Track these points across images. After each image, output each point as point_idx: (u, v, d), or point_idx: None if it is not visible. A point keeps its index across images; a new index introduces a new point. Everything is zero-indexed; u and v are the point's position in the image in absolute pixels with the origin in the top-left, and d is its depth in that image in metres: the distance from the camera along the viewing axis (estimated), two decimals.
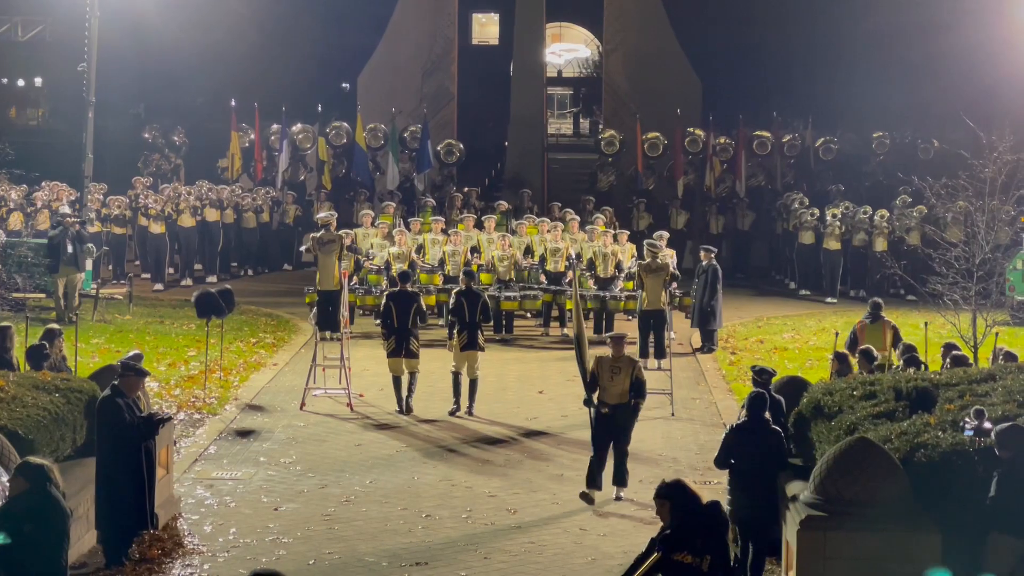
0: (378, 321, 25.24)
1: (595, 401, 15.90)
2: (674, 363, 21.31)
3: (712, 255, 25.03)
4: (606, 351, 16.26)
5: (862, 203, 32.83)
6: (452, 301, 19.95)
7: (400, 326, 19.56)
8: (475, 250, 26.66)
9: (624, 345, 16.21)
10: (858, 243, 31.74)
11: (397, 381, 19.70)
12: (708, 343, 24.71)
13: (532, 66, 37.65)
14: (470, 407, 19.54)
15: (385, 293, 21.32)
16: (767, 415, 13.14)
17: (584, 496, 15.45)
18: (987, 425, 11.69)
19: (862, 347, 17.52)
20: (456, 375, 19.64)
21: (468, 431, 18.76)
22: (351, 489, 15.90)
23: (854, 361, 17.07)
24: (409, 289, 20.07)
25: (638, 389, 15.91)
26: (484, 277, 26.00)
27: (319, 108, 36.71)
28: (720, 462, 12.99)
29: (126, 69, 37.42)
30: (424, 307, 20.20)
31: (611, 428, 15.80)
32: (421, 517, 14.89)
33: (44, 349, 16.25)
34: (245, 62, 40.29)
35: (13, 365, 16.34)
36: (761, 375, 14.41)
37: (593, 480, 15.58)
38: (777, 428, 13.24)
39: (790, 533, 11.96)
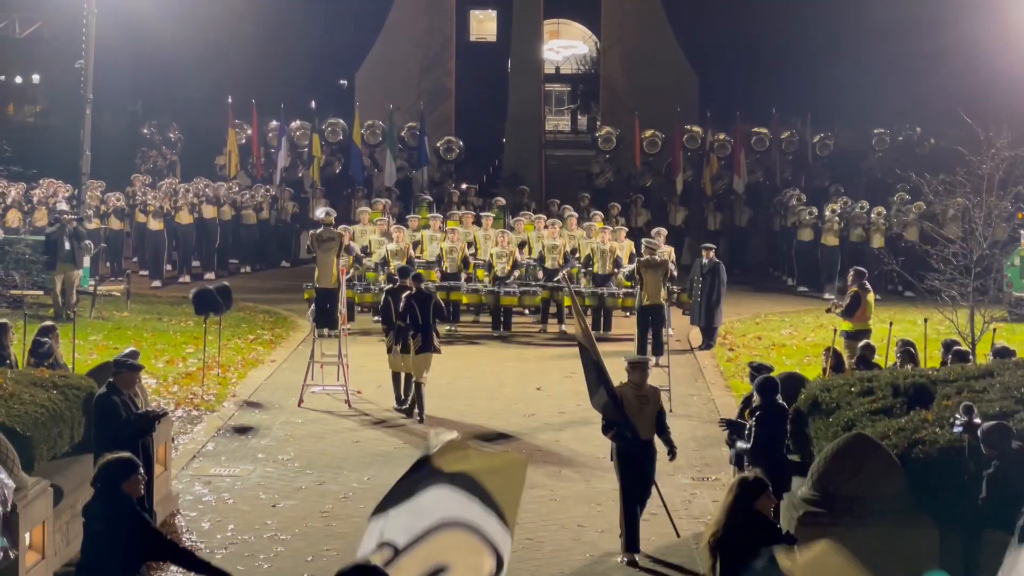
0: (376, 318, 25.31)
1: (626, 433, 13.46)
2: (672, 360, 21.32)
3: (712, 252, 25.09)
4: (619, 374, 14.25)
5: (860, 199, 32.85)
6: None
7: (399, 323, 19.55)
8: (472, 246, 26.66)
9: (648, 372, 14.19)
10: (855, 239, 31.75)
11: (396, 377, 19.69)
12: (709, 340, 24.70)
13: (530, 63, 37.65)
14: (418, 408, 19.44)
15: (384, 289, 21.33)
16: (779, 398, 13.27)
17: (631, 563, 13.43)
18: (977, 421, 11.71)
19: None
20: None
21: (465, 427, 18.75)
22: (349, 486, 15.89)
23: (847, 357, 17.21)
24: (408, 285, 20.05)
25: (663, 427, 13.85)
26: (480, 273, 26.01)
27: (312, 105, 36.70)
28: (756, 456, 13.14)
29: (123, 66, 37.39)
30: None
31: (642, 471, 13.64)
32: None
33: (41, 347, 16.22)
34: (242, 58, 40.31)
35: (11, 362, 16.34)
36: (759, 371, 14.43)
37: (634, 541, 13.46)
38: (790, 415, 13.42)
39: (789, 529, 11.96)
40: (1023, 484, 11.00)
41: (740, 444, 13.54)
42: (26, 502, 11.54)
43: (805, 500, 11.79)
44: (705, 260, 24.87)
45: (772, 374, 14.75)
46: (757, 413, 13.18)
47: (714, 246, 25.77)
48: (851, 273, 21.92)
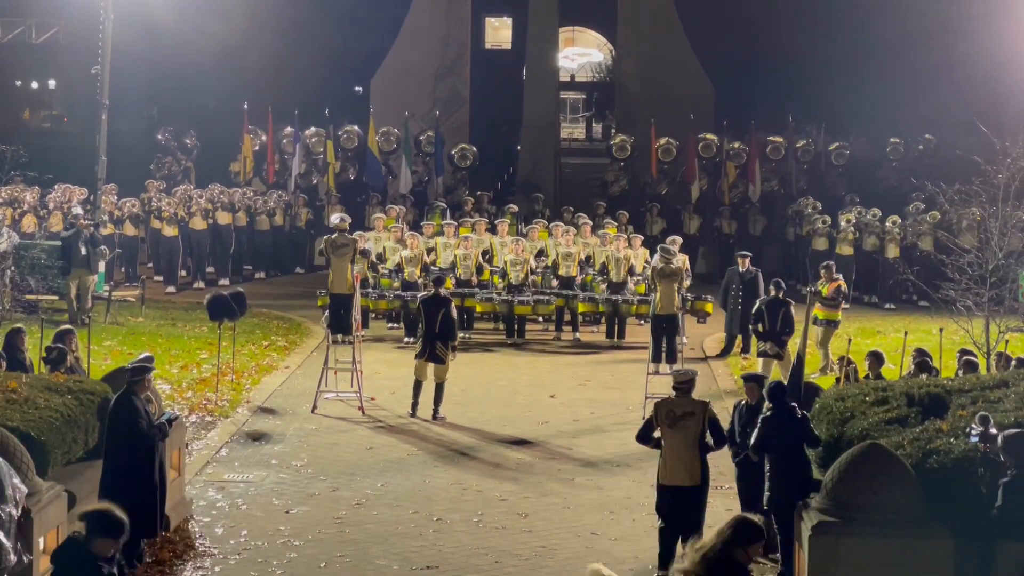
0: (390, 325, 25.38)
1: None
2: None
3: (748, 260, 25.00)
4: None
5: (874, 209, 32.76)
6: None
7: (428, 330, 19.55)
8: (487, 254, 26.66)
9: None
10: (870, 248, 31.68)
11: (418, 384, 19.64)
12: (747, 347, 24.71)
13: (545, 70, 37.66)
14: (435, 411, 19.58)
15: (419, 297, 21.41)
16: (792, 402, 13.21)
17: None
18: (993, 431, 11.68)
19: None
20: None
21: (479, 435, 18.76)
22: (362, 492, 15.90)
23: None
24: (442, 293, 20.03)
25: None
26: (495, 279, 26.00)
27: (326, 112, 36.78)
28: (757, 449, 13.11)
29: (139, 72, 37.51)
30: (454, 313, 20.20)
31: None
32: (432, 520, 14.89)
33: (53, 353, 16.22)
34: (258, 65, 40.35)
35: (26, 366, 16.38)
36: (747, 381, 14.50)
37: None
38: (804, 413, 13.33)
39: (802, 538, 11.94)
40: None
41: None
42: (40, 507, 11.56)
43: (819, 509, 11.76)
44: (742, 268, 24.79)
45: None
46: (766, 415, 13.16)
47: (750, 254, 25.64)
48: (827, 267, 22.67)
